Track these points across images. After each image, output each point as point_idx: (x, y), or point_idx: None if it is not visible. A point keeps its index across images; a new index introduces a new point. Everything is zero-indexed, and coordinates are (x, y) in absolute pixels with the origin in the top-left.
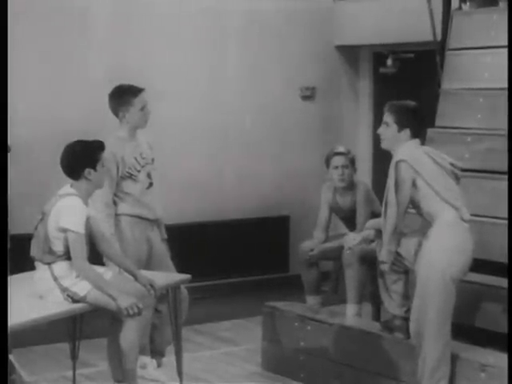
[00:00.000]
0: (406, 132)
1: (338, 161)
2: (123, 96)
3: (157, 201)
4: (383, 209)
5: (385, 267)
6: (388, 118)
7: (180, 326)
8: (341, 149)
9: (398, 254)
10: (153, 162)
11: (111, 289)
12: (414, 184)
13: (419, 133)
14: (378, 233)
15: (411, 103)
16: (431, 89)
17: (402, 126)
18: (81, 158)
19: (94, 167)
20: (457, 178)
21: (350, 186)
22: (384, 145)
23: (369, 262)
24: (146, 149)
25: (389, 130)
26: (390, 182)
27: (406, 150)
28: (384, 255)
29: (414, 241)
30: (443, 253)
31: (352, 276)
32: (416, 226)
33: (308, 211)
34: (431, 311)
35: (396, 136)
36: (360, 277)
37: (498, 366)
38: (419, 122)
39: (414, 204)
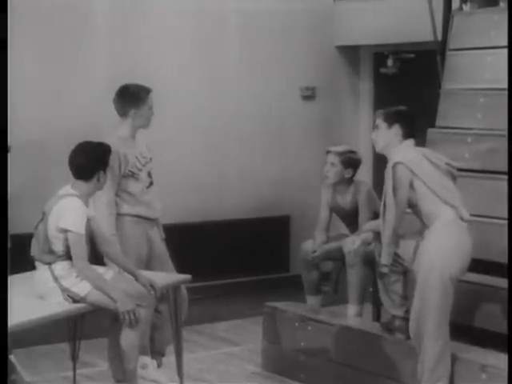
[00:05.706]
0: (396, 129)
1: (327, 158)
2: (136, 93)
3: (156, 200)
4: (381, 211)
5: (384, 269)
6: (377, 120)
7: (180, 326)
8: (332, 147)
9: (396, 254)
10: (151, 160)
11: (112, 290)
12: (411, 185)
13: (411, 132)
14: (377, 235)
15: (400, 107)
16: (432, 89)
17: (390, 122)
18: (96, 160)
19: (105, 170)
20: (453, 178)
21: (346, 186)
22: (378, 147)
23: (369, 263)
24: (145, 148)
25: (379, 130)
26: (388, 184)
27: (401, 152)
28: (384, 258)
29: (413, 241)
30: (442, 252)
31: (355, 277)
32: (414, 227)
33: (308, 211)
34: (430, 311)
35: (387, 134)
36: (362, 278)
37: (498, 367)
38: (409, 120)
39: (411, 205)
